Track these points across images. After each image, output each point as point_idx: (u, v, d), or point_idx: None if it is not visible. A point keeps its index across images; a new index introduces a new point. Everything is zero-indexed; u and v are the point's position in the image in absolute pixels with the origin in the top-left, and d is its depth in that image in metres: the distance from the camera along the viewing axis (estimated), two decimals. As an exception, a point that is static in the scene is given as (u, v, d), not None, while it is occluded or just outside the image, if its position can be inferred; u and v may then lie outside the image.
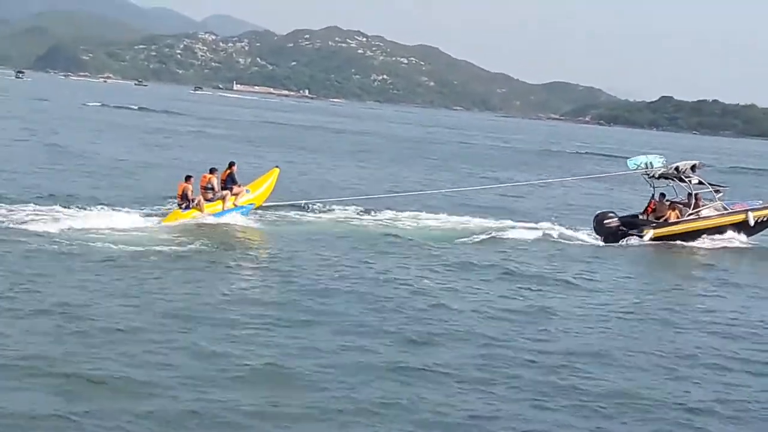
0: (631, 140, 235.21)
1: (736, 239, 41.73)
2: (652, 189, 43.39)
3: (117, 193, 43.76)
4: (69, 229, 32.06)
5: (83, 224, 33.15)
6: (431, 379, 18.54)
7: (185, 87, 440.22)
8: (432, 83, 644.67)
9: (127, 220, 35.24)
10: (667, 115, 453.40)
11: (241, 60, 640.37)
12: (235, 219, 37.30)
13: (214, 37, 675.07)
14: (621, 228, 41.10)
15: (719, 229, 41.84)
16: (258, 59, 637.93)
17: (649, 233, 40.61)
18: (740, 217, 42.23)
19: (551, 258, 35.18)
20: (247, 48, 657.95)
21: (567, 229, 41.74)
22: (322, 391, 17.40)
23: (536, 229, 41.03)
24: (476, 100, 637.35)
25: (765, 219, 42.69)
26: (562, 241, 39.61)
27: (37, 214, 34.47)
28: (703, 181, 42.92)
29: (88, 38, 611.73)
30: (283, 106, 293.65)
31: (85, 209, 36.62)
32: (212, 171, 38.34)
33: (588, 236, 41.00)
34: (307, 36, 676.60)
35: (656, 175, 42.74)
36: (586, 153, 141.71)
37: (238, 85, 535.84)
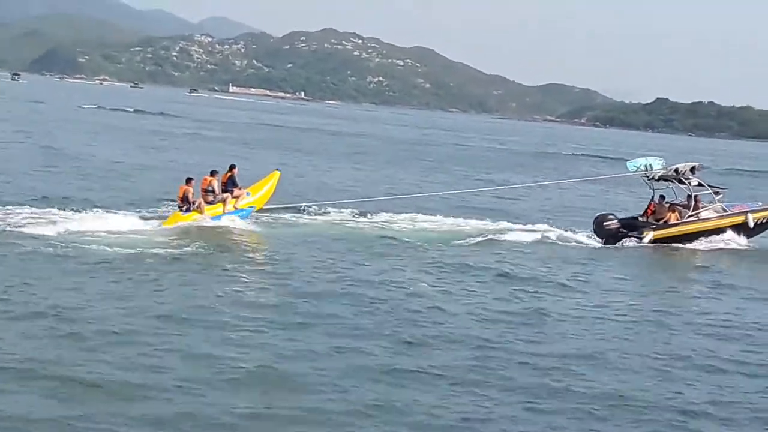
0: (627, 142, 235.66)
1: (735, 241, 41.81)
2: (651, 191, 43.47)
3: (113, 196, 43.69)
4: (65, 231, 32.03)
5: (80, 227, 33.10)
6: (425, 382, 18.56)
7: (181, 89, 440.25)
8: (428, 85, 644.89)
9: (127, 222, 35.16)
10: (662, 116, 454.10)
11: (237, 62, 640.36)
12: (235, 222, 37.27)
13: (210, 39, 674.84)
14: (621, 230, 41.21)
15: (719, 231, 41.92)
16: (254, 61, 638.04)
17: (649, 235, 40.68)
18: (740, 219, 42.32)
19: (547, 260, 35.20)
20: (243, 50, 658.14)
21: (564, 231, 41.84)
22: (317, 393, 17.42)
23: (533, 231, 41.11)
24: (472, 102, 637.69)
25: (764, 220, 42.83)
26: (559, 243, 39.69)
27: (33, 217, 34.45)
28: (703, 183, 43.03)
29: (84, 40, 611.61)
30: (279, 108, 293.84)
31: (81, 212, 36.57)
32: (213, 173, 38.30)
33: (585, 238, 41.08)
34: (303, 38, 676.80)
35: (656, 177, 42.88)
36: (582, 155, 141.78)
37: (234, 87, 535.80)
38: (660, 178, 42.94)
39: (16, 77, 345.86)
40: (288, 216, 40.80)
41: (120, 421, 15.43)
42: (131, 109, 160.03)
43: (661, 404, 18.34)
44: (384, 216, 42.77)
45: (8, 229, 31.75)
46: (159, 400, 16.48)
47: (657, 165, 43.09)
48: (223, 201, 37.70)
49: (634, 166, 43.74)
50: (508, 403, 17.77)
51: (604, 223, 41.39)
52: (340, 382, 18.10)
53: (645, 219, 42.40)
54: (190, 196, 36.77)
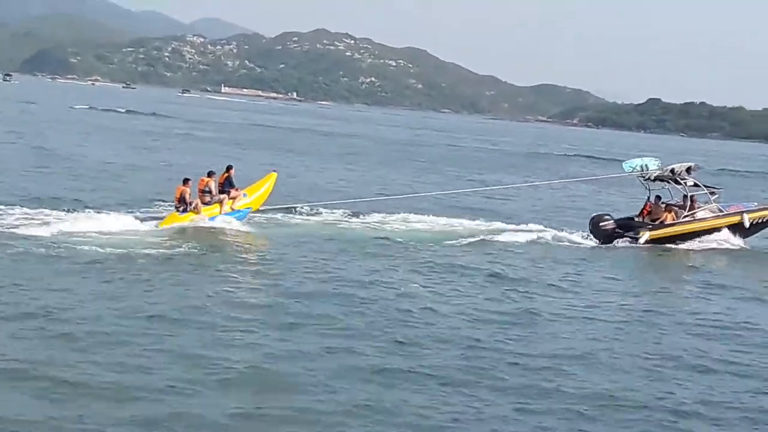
0: (619, 143, 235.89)
1: (731, 241, 41.91)
2: (647, 191, 43.53)
3: (106, 196, 43.66)
4: (58, 232, 31.98)
5: (73, 227, 33.04)
6: (416, 382, 18.56)
7: (173, 90, 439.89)
8: (420, 86, 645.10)
9: (123, 223, 35.07)
10: (654, 117, 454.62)
11: (229, 63, 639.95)
12: (231, 223, 37.22)
13: (202, 39, 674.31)
14: (617, 230, 41.30)
15: (715, 231, 42.00)
16: (246, 62, 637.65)
17: (645, 235, 40.75)
18: (735, 219, 42.41)
19: (540, 260, 35.22)
20: (235, 51, 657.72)
21: (557, 231, 41.93)
22: (308, 393, 17.42)
23: (525, 231, 41.16)
24: (464, 102, 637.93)
25: (760, 220, 42.94)
26: (551, 243, 39.75)
27: (25, 218, 34.46)
28: (699, 183, 43.14)
29: (76, 41, 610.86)
30: (271, 109, 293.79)
31: (74, 212, 36.60)
32: (210, 174, 38.24)
33: (578, 238, 41.18)
34: (296, 38, 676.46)
35: (652, 178, 42.95)
36: (574, 155, 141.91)
37: (226, 88, 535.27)
38: (656, 179, 43.03)
39: (8, 78, 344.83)
40: (280, 216, 40.80)
41: (111, 422, 15.41)
42: (123, 110, 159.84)
43: (651, 404, 18.36)
44: (376, 216, 42.76)
45: (0, 230, 31.71)
46: (150, 401, 16.46)
47: (653, 165, 43.17)
48: (220, 202, 37.65)
49: (630, 166, 43.81)
50: (498, 403, 17.79)
51: (600, 224, 41.48)
52: (331, 382, 18.10)
53: (641, 219, 42.48)
54: (187, 196, 36.72)
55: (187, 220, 36.25)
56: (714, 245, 41.42)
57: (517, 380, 19.20)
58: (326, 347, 20.53)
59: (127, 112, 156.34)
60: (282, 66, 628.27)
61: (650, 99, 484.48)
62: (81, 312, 21.97)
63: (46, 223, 33.38)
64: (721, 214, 42.53)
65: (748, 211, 42.85)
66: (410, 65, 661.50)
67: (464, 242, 37.73)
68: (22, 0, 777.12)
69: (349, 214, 42.77)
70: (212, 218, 37.01)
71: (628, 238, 40.78)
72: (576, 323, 25.13)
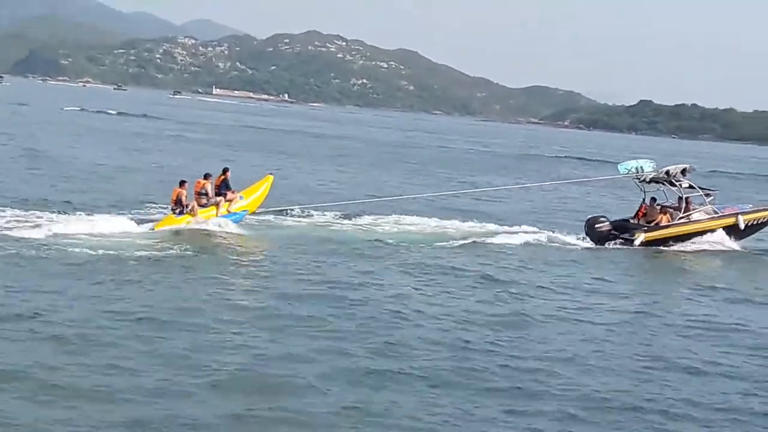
0: (611, 144, 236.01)
1: (726, 243, 42.02)
2: (642, 193, 43.60)
3: (98, 198, 43.67)
4: (51, 234, 31.99)
5: (66, 230, 33.01)
6: (406, 384, 18.59)
7: (164, 91, 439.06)
8: (412, 87, 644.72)
9: (119, 225, 35.09)
10: (646, 119, 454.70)
11: (220, 64, 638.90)
12: (226, 225, 37.19)
13: (193, 41, 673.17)
14: (612, 232, 41.40)
15: (710, 233, 42.06)
16: (238, 63, 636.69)
17: (641, 237, 40.87)
18: (730, 221, 42.54)
19: (532, 262, 35.25)
20: (226, 52, 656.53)
21: (549, 233, 42.01)
22: (298, 396, 17.43)
23: (517, 233, 41.18)
24: (456, 104, 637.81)
25: (755, 222, 43.07)
26: (544, 245, 39.87)
27: (17, 220, 34.41)
28: (694, 185, 43.27)
29: (67, 43, 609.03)
30: (263, 111, 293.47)
31: (66, 214, 36.64)
32: (206, 177, 38.26)
33: (570, 240, 41.27)
34: (287, 40, 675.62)
35: (647, 180, 43.04)
36: (565, 157, 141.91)
37: (218, 90, 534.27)
38: (651, 181, 43.15)
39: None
40: (272, 218, 40.80)
41: (101, 425, 15.41)
42: (114, 112, 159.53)
43: (641, 406, 18.40)
44: (368, 218, 42.81)
45: (-9, 231, 31.68)
46: (140, 404, 16.45)
47: (648, 167, 43.30)
48: (217, 204, 37.70)
49: (626, 168, 43.93)
50: (488, 405, 17.82)
51: (596, 225, 41.60)
52: (321, 384, 18.11)
53: (636, 221, 42.57)
54: (184, 198, 36.72)
55: (183, 222, 36.26)
56: (709, 247, 41.54)
57: (508, 382, 19.24)
58: (316, 349, 20.55)
59: (119, 113, 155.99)
60: (273, 68, 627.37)
61: (642, 101, 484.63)
62: (71, 314, 21.97)
63: (38, 225, 33.35)
64: (716, 215, 42.67)
65: (743, 213, 42.99)
66: (402, 67, 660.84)
67: (456, 244, 37.76)
68: (12, 1, 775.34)
69: (340, 216, 42.78)
70: (208, 221, 37.00)
71: (623, 240, 40.88)
72: (567, 325, 25.17)
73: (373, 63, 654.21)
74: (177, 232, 35.26)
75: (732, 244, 42.09)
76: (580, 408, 17.96)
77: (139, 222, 36.36)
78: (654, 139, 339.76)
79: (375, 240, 37.31)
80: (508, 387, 18.93)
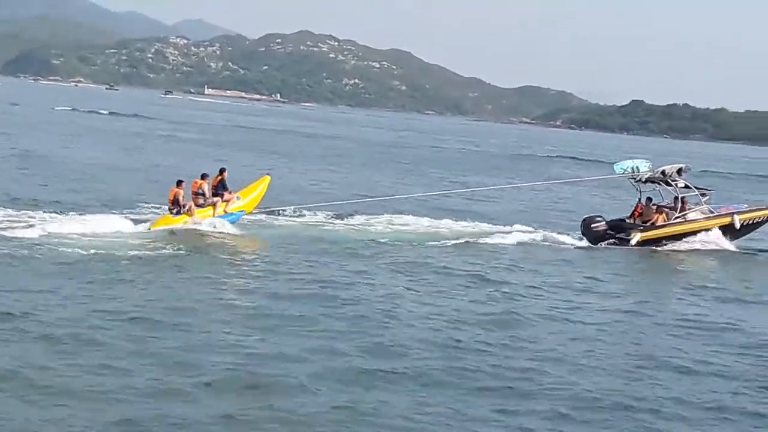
0: (602, 144, 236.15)
1: (721, 242, 42.10)
2: (638, 193, 43.64)
3: (91, 198, 43.85)
4: (46, 234, 32.00)
5: (60, 229, 33.03)
6: (398, 384, 18.61)
7: (156, 91, 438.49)
8: (404, 87, 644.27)
9: (116, 225, 35.10)
10: (637, 119, 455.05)
11: (212, 64, 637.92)
12: (223, 226, 37.14)
13: (185, 41, 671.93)
14: (608, 231, 41.45)
15: (705, 232, 42.10)
16: (230, 63, 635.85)
17: (636, 237, 40.99)
18: (726, 220, 42.68)
19: (524, 262, 35.30)
20: (218, 52, 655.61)
21: (545, 232, 42.09)
22: (289, 395, 17.44)
23: (510, 233, 41.18)
24: (448, 104, 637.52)
25: (750, 222, 43.18)
26: (539, 245, 39.99)
27: (10, 220, 34.36)
28: (689, 185, 43.35)
29: (58, 42, 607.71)
30: (255, 111, 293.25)
31: (61, 214, 36.67)
32: (203, 177, 38.24)
33: (566, 239, 41.29)
34: (279, 40, 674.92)
35: (643, 180, 43.13)
36: (557, 157, 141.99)
37: (210, 90, 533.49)
38: (647, 180, 43.25)
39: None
40: (264, 218, 40.75)
41: (92, 425, 15.40)
42: (106, 111, 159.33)
43: (632, 405, 18.43)
44: (360, 218, 42.82)
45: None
46: (132, 403, 16.45)
47: (644, 167, 43.43)
48: (214, 205, 37.67)
49: (621, 168, 44.06)
50: (480, 405, 17.84)
51: (592, 225, 41.70)
52: (312, 384, 18.11)
53: (632, 221, 42.66)
54: (181, 198, 36.72)
55: (180, 222, 36.24)
56: (704, 246, 41.63)
57: (499, 382, 19.27)
58: (308, 349, 20.56)
59: (110, 113, 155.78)
60: (265, 67, 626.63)
61: (633, 101, 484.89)
62: (64, 314, 21.99)
63: (31, 225, 33.33)
64: (712, 215, 42.81)
65: (738, 213, 43.15)
66: (394, 67, 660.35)
67: (448, 244, 37.79)
68: (3, 2, 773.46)
69: (333, 216, 42.77)
70: (205, 221, 36.97)
71: (619, 240, 40.96)
72: (559, 325, 25.23)
73: (366, 63, 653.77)
74: (172, 232, 35.26)
75: (727, 244, 42.15)
76: (571, 407, 17.98)
77: (136, 222, 36.36)
78: (646, 139, 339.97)
79: (367, 240, 37.31)
80: (499, 386, 18.95)
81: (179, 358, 19.14)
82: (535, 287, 30.34)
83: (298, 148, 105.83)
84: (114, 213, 37.81)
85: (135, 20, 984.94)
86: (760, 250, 43.44)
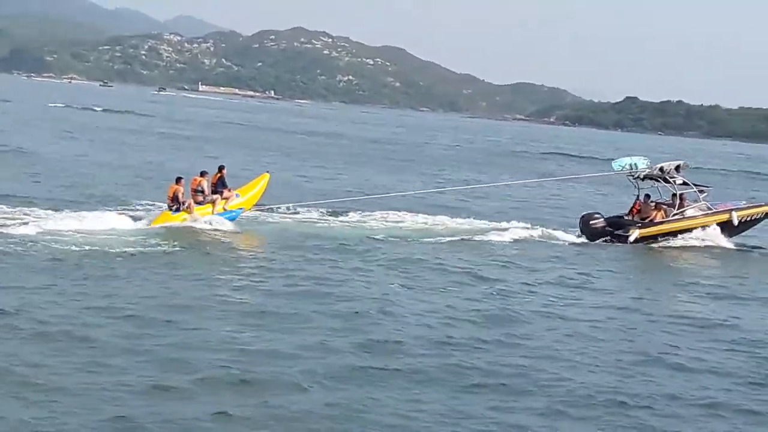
0: (597, 141, 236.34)
1: (719, 239, 42.16)
2: (636, 190, 43.70)
3: (86, 194, 44.00)
4: (41, 231, 32.03)
5: (56, 226, 33.08)
6: (392, 381, 18.62)
7: (150, 88, 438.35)
8: (398, 84, 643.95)
9: (115, 222, 35.17)
10: (631, 115, 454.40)
11: (206, 61, 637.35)
12: (223, 223, 37.09)
13: (179, 37, 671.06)
14: (607, 228, 41.48)
15: (704, 229, 42.14)
16: (223, 60, 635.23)
17: (635, 233, 41.04)
18: (724, 217, 42.78)
19: (519, 259, 35.35)
20: (212, 49, 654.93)
21: (538, 229, 42.08)
22: (282, 393, 17.44)
23: (505, 229, 41.21)
24: (442, 101, 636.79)
25: (749, 218, 43.29)
26: (535, 242, 40.08)
27: (5, 217, 34.40)
28: (688, 182, 43.43)
29: (51, 39, 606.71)
30: (249, 107, 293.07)
31: (57, 211, 36.64)
32: (203, 174, 38.25)
33: (562, 236, 41.32)
34: (273, 37, 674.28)
35: (641, 177, 43.18)
36: (551, 153, 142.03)
37: (203, 86, 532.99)
38: (645, 177, 43.34)
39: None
40: (259, 215, 40.68)
41: (85, 423, 15.40)
42: (99, 108, 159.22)
43: (627, 402, 18.47)
44: (355, 215, 42.79)
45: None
46: (125, 401, 16.45)
47: (642, 164, 43.49)
48: (213, 202, 37.65)
49: (620, 165, 44.15)
50: (474, 402, 17.88)
51: (591, 222, 41.82)
52: (307, 381, 18.11)
53: (631, 218, 42.71)
54: (180, 195, 36.73)
55: (179, 219, 36.23)
56: (702, 243, 41.74)
57: (493, 379, 19.28)
58: (302, 345, 20.58)
59: (104, 110, 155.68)
60: (259, 64, 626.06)
61: (627, 98, 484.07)
62: (58, 311, 22.06)
63: (25, 223, 33.29)
64: (710, 212, 42.91)
65: (737, 209, 43.21)
66: (388, 64, 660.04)
67: (444, 241, 37.79)
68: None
69: (328, 213, 42.77)
70: (204, 218, 36.96)
71: (617, 237, 41.02)
72: (553, 321, 25.29)
73: (359, 60, 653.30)
74: (170, 229, 35.26)
75: (725, 241, 42.18)
76: (566, 404, 18.02)
77: (135, 219, 36.36)
78: (640, 136, 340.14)
79: (362, 237, 37.33)
80: (493, 383, 18.97)
81: (173, 355, 19.16)
82: (530, 284, 30.40)
83: (293, 145, 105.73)
84: (109, 210, 37.86)
85: (128, 17, 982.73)
86: (755, 247, 43.46)
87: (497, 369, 19.97)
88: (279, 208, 42.67)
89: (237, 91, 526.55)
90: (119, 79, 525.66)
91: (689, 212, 42.66)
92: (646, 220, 42.17)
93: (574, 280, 31.89)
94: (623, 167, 43.83)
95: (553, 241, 40.33)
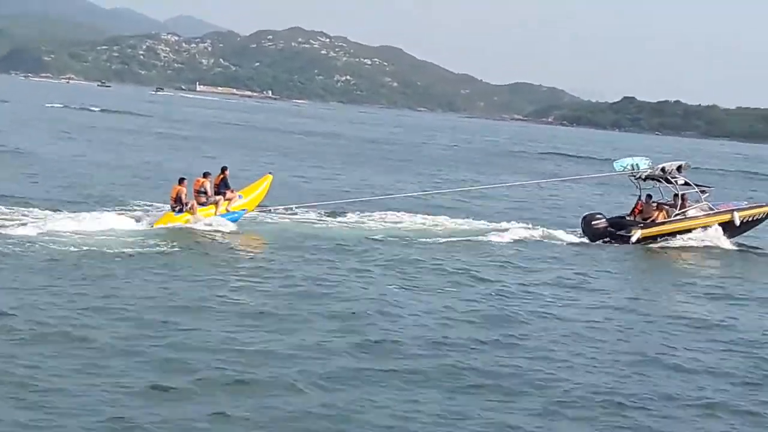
0: (595, 140, 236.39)
1: (721, 239, 42.16)
2: (638, 190, 43.71)
3: (87, 195, 43.93)
4: (40, 232, 32.02)
5: (54, 227, 33.10)
6: (388, 382, 18.65)
7: (148, 88, 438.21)
8: (395, 84, 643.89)
9: (119, 222, 35.19)
10: (629, 115, 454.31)
11: (203, 61, 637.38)
12: (226, 224, 37.10)
13: (176, 37, 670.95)
14: (609, 229, 41.48)
15: (705, 229, 42.15)
16: (221, 60, 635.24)
17: (637, 234, 41.06)
18: (726, 217, 42.81)
19: (518, 260, 35.39)
20: (209, 49, 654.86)
21: (538, 230, 42.09)
22: (279, 394, 17.46)
23: (506, 230, 41.17)
24: (440, 101, 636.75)
25: (750, 219, 43.34)
26: (531, 242, 39.97)
27: (3, 218, 34.36)
28: (689, 182, 43.41)
29: (49, 39, 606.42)
30: (246, 107, 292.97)
31: (55, 211, 36.71)
32: (206, 175, 38.26)
33: (559, 237, 41.29)
34: (270, 37, 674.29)
35: (643, 177, 43.20)
36: (548, 153, 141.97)
37: (201, 86, 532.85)
38: (647, 178, 43.34)
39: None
40: (257, 216, 40.62)
41: (82, 424, 15.42)
42: (97, 108, 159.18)
43: (624, 402, 18.49)
44: (354, 216, 42.73)
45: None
46: (122, 402, 16.48)
47: (643, 165, 43.52)
48: (216, 203, 37.67)
49: (621, 165, 44.17)
50: (471, 402, 17.91)
51: (593, 222, 41.84)
52: (303, 382, 18.14)
53: (632, 218, 42.74)
54: (183, 196, 36.74)
55: (182, 220, 36.24)
56: (704, 243, 41.74)
57: (490, 379, 19.31)
58: (299, 346, 20.61)
59: (102, 110, 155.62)
60: (257, 64, 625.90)
61: (625, 98, 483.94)
62: (56, 312, 22.12)
63: (24, 224, 33.28)
64: (711, 212, 42.96)
65: (738, 210, 43.26)
66: (386, 63, 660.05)
67: (442, 241, 37.81)
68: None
69: (326, 214, 42.69)
70: (207, 219, 36.98)
71: (619, 237, 41.04)
72: (551, 322, 25.32)
73: (357, 60, 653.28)
74: (168, 230, 35.29)
75: (727, 241, 42.19)
76: (562, 405, 18.05)
77: (138, 219, 36.36)
78: (638, 136, 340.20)
79: (361, 237, 37.36)
80: (490, 384, 19.01)
81: (170, 356, 19.19)
82: (528, 285, 30.44)
83: (290, 145, 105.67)
84: (107, 210, 37.83)
85: (126, 17, 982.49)
86: (754, 247, 43.43)
87: (494, 369, 20.00)
88: (278, 209, 42.58)
89: (235, 91, 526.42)
90: (117, 79, 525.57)
91: (691, 213, 42.70)
92: (648, 221, 42.18)
93: (571, 281, 31.90)
94: (625, 168, 43.86)
95: (552, 242, 40.32)
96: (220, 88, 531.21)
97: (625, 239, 41.01)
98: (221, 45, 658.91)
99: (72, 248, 29.82)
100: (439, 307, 25.75)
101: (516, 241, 39.37)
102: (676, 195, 42.91)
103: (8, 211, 35.85)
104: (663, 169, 42.97)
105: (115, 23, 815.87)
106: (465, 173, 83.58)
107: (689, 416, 18.15)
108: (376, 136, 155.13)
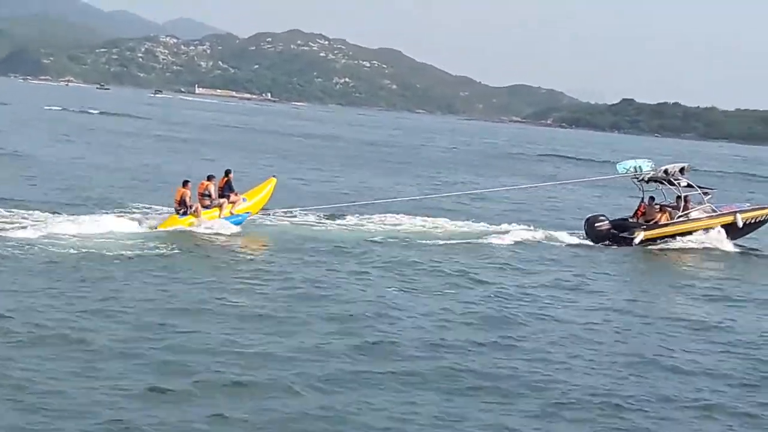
0: (594, 142, 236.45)
1: (723, 241, 42.16)
2: (641, 192, 43.74)
3: (86, 198, 43.93)
4: (39, 234, 31.99)
5: (54, 229, 33.10)
6: (387, 385, 18.66)
7: (146, 90, 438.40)
8: (394, 86, 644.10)
9: (111, 225, 35.10)
10: (628, 117, 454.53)
11: (203, 63, 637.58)
12: (230, 227, 37.14)
13: (175, 40, 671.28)
14: (612, 231, 41.49)
15: (708, 231, 42.18)
16: (220, 62, 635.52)
17: (640, 235, 41.12)
18: (729, 219, 42.90)
19: (518, 262, 35.40)
20: (208, 51, 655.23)
21: (539, 232, 42.13)
22: (277, 396, 17.46)
23: (507, 232, 41.13)
24: (439, 103, 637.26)
25: (753, 221, 43.39)
26: (532, 245, 39.96)
27: (2, 221, 34.31)
28: (692, 184, 43.50)
29: (48, 42, 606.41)
30: (245, 110, 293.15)
31: (54, 214, 36.64)
32: (210, 178, 38.28)
33: (561, 238, 41.25)
34: (269, 39, 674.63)
35: (645, 179, 43.24)
36: (547, 155, 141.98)
37: (200, 89, 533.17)
38: (649, 180, 43.37)
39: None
40: (256, 219, 40.59)
41: (81, 426, 15.42)
42: (96, 111, 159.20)
43: (622, 404, 18.49)
44: (353, 218, 42.72)
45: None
46: (120, 404, 16.48)
47: (646, 167, 43.55)
48: (220, 206, 37.70)
49: (624, 168, 44.20)
50: (470, 404, 17.91)
51: (596, 224, 41.89)
52: (302, 384, 18.16)
53: (635, 220, 42.77)
54: (188, 199, 36.78)
55: (186, 223, 36.22)
56: (706, 245, 41.77)
57: (488, 381, 19.31)
58: (298, 349, 20.61)
59: (101, 113, 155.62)
60: (256, 66, 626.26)
61: (624, 99, 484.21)
62: (54, 315, 22.11)
63: (23, 227, 33.25)
64: (714, 214, 42.99)
65: (741, 211, 43.36)
66: (384, 66, 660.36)
67: (442, 244, 37.79)
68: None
69: (325, 216, 42.65)
70: (211, 222, 36.98)
71: (622, 239, 41.05)
72: (549, 324, 25.32)
73: (356, 62, 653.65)
74: (168, 233, 35.29)
75: (729, 243, 42.21)
76: (560, 406, 18.05)
77: (133, 222, 36.28)
78: (637, 138, 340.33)
79: (360, 240, 37.34)
80: (488, 386, 19.01)
81: (169, 359, 19.21)
82: (527, 287, 30.43)
83: (289, 147, 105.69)
84: (106, 213, 37.80)
85: (125, 19, 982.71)
86: (754, 249, 43.43)
87: (492, 371, 20.01)
88: (277, 212, 42.56)
89: (234, 93, 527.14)
90: (116, 82, 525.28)
91: (694, 214, 42.76)
92: (651, 223, 42.22)
93: (570, 283, 31.91)
94: (628, 170, 43.89)
95: (552, 243, 40.32)
96: (219, 90, 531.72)
97: (629, 241, 41.04)
98: (220, 47, 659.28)
99: (71, 251, 29.83)
100: (438, 310, 25.75)
101: (516, 243, 39.35)
102: (678, 197, 42.96)
103: (8, 213, 35.81)
104: (666, 171, 43.01)
105: (113, 26, 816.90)
106: (464, 175, 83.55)
107: (687, 418, 18.18)
108: (375, 138, 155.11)
